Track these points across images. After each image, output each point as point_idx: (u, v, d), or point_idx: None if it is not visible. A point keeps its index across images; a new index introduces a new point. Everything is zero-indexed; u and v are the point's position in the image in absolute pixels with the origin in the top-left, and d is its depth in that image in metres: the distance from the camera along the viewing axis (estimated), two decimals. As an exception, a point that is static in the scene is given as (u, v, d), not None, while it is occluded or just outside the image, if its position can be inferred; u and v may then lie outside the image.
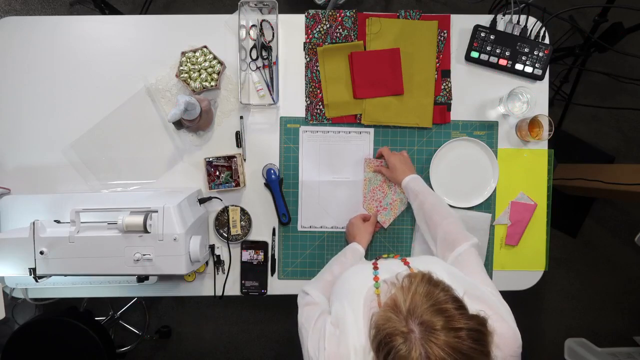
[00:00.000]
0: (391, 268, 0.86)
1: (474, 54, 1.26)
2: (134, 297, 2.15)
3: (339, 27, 1.26)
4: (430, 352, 0.62)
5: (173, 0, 2.21)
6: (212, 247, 1.24)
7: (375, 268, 0.88)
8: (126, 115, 1.27)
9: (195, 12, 2.19)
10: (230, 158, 1.23)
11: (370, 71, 1.25)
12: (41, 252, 1.02)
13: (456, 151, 1.28)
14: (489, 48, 1.26)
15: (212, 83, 1.23)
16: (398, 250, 1.29)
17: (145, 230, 1.00)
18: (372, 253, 1.28)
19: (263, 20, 1.26)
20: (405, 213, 1.29)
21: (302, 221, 1.28)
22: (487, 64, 1.27)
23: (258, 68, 1.27)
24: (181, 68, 1.22)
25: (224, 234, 1.26)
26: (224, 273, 1.27)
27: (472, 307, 0.69)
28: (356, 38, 1.27)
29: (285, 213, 1.26)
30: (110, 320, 2.14)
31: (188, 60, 1.22)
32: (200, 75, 1.22)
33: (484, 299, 0.81)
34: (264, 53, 1.26)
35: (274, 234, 1.28)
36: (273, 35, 1.25)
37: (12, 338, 1.52)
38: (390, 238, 1.29)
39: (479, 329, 0.66)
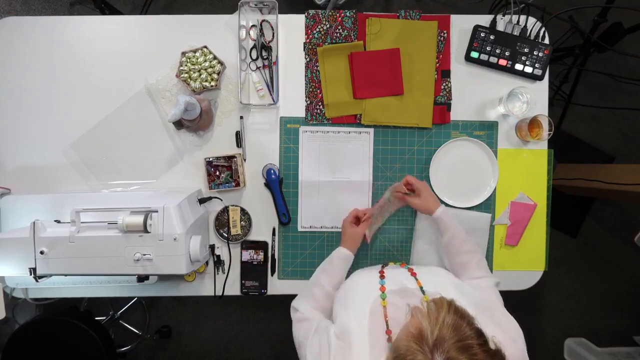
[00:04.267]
0: (398, 279, 0.85)
1: (474, 54, 1.26)
2: (134, 297, 2.15)
3: (339, 27, 1.26)
4: None
5: (173, 0, 2.21)
6: (212, 247, 1.24)
7: (382, 277, 0.87)
8: (126, 115, 1.27)
9: (195, 12, 2.19)
10: (230, 158, 1.23)
11: (370, 71, 1.25)
12: (41, 252, 1.03)
13: (456, 151, 1.28)
14: (488, 48, 1.26)
15: (212, 83, 1.23)
16: (398, 251, 1.29)
17: (146, 230, 1.00)
18: (372, 254, 1.29)
19: (263, 21, 1.26)
20: (405, 214, 1.29)
21: (302, 221, 1.29)
22: (487, 64, 1.27)
23: (258, 68, 1.27)
24: (181, 68, 1.22)
25: (224, 234, 1.26)
26: (224, 273, 1.27)
27: (483, 324, 0.68)
28: (356, 38, 1.27)
29: (285, 213, 1.26)
30: (111, 320, 2.14)
31: (188, 60, 1.22)
32: (200, 75, 1.22)
33: (494, 316, 0.81)
34: (264, 53, 1.26)
35: (274, 234, 1.29)
36: (273, 36, 1.26)
37: (12, 338, 1.52)
38: (391, 238, 1.29)
39: None
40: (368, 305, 0.80)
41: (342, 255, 1.11)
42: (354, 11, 1.27)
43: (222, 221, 1.26)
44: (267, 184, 1.27)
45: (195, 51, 1.23)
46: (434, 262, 1.27)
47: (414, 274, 0.87)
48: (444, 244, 1.11)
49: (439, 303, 0.69)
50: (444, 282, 0.85)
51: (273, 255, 1.28)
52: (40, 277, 1.07)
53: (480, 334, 0.66)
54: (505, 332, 0.79)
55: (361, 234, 1.17)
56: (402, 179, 1.21)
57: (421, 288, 0.83)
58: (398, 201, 1.24)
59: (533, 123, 1.23)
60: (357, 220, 1.20)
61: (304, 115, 1.28)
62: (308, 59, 1.27)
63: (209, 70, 1.23)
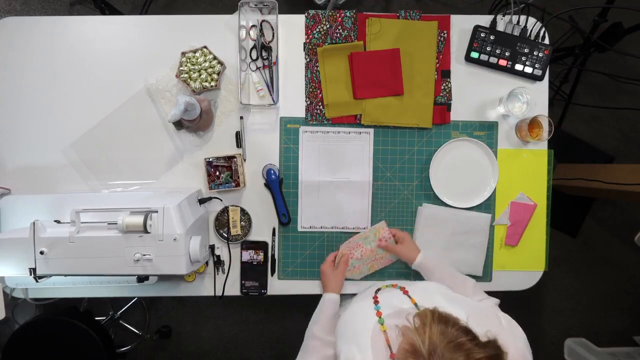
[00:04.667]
0: (392, 301, 0.86)
1: (474, 55, 1.26)
2: (134, 297, 2.15)
3: (339, 28, 1.26)
4: None
5: (173, 0, 2.21)
6: (212, 247, 1.24)
7: (376, 302, 0.88)
8: (126, 115, 1.27)
9: (195, 12, 2.19)
10: (230, 158, 1.23)
11: (370, 71, 1.25)
12: (41, 252, 1.03)
13: (456, 151, 1.28)
14: (488, 48, 1.26)
15: (212, 83, 1.23)
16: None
17: (145, 231, 1.00)
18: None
19: (263, 21, 1.26)
20: (405, 214, 1.29)
21: (302, 221, 1.29)
22: (487, 65, 1.27)
23: (258, 68, 1.27)
24: (181, 68, 1.22)
25: (224, 234, 1.26)
26: (224, 273, 1.27)
27: (479, 330, 0.70)
28: (356, 38, 1.27)
29: (285, 213, 1.26)
30: (110, 320, 2.14)
31: (188, 60, 1.22)
32: (200, 75, 1.22)
33: (488, 318, 0.82)
34: (264, 53, 1.26)
35: (274, 234, 1.29)
36: (273, 36, 1.26)
37: (12, 338, 1.52)
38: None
39: (496, 353, 0.67)
40: (368, 334, 0.80)
41: (330, 302, 1.10)
42: (354, 11, 1.27)
43: (222, 221, 1.26)
44: (267, 184, 1.27)
45: (195, 51, 1.23)
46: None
47: (406, 292, 0.88)
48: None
49: (422, 314, 0.71)
50: (435, 295, 0.87)
51: (273, 256, 1.28)
52: (40, 277, 1.07)
53: (467, 331, 0.68)
54: (502, 328, 0.81)
55: (342, 274, 1.18)
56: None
57: (416, 305, 0.84)
58: (383, 252, 1.24)
59: (533, 123, 1.23)
60: (334, 262, 1.22)
61: (304, 116, 1.28)
62: (308, 59, 1.27)
63: (209, 70, 1.23)
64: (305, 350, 1.02)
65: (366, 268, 1.24)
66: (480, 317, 0.78)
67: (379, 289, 0.96)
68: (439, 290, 0.89)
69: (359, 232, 1.26)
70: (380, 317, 0.82)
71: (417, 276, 1.17)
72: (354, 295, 1.11)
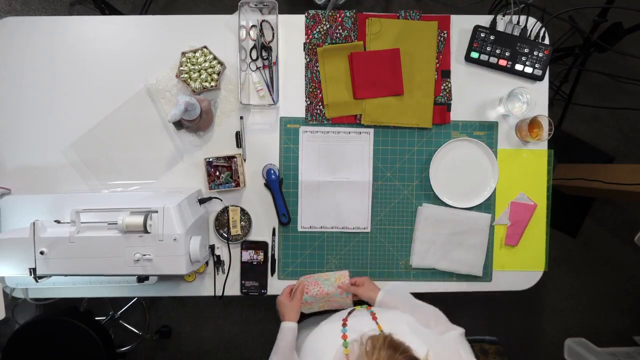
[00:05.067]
0: (360, 326, 0.87)
1: (474, 55, 1.26)
2: (134, 297, 2.15)
3: (339, 28, 1.26)
4: None
5: (173, 1, 2.21)
6: (212, 247, 1.24)
7: (344, 325, 0.89)
8: (126, 115, 1.27)
9: (195, 12, 2.19)
10: (230, 158, 1.23)
11: (370, 71, 1.25)
12: (41, 252, 1.03)
13: (456, 151, 1.28)
14: (488, 48, 1.26)
15: (212, 83, 1.23)
16: (398, 251, 1.29)
17: (145, 231, 1.00)
18: (372, 253, 1.29)
19: (263, 21, 1.26)
20: (405, 214, 1.29)
21: (302, 221, 1.29)
22: (487, 65, 1.27)
23: (258, 68, 1.27)
24: (181, 68, 1.22)
25: (224, 234, 1.26)
26: (224, 273, 1.27)
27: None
28: (356, 38, 1.27)
29: (285, 213, 1.26)
30: (111, 320, 2.14)
31: (188, 60, 1.22)
32: (200, 75, 1.22)
33: (449, 353, 0.84)
34: (264, 53, 1.26)
35: (274, 234, 1.29)
36: (273, 36, 1.26)
37: (12, 338, 1.52)
38: (391, 238, 1.29)
39: None
40: (331, 355, 0.81)
41: (288, 330, 1.11)
42: (354, 11, 1.27)
43: (222, 221, 1.26)
44: (267, 184, 1.27)
45: (195, 51, 1.23)
46: (434, 262, 1.28)
47: (375, 318, 0.89)
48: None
49: (375, 338, 0.73)
50: (402, 325, 0.87)
51: (273, 256, 1.28)
52: (40, 277, 1.07)
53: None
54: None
55: (299, 304, 1.18)
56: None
57: (382, 332, 0.84)
58: (339, 297, 1.23)
59: (533, 123, 1.23)
60: (290, 293, 1.21)
61: (304, 116, 1.28)
62: (308, 59, 1.27)
63: (209, 70, 1.23)
64: None
65: (317, 306, 1.23)
66: (441, 352, 0.80)
67: (352, 310, 0.97)
68: (407, 321, 0.89)
69: (322, 272, 1.26)
70: (345, 340, 0.83)
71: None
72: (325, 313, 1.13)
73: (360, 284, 1.19)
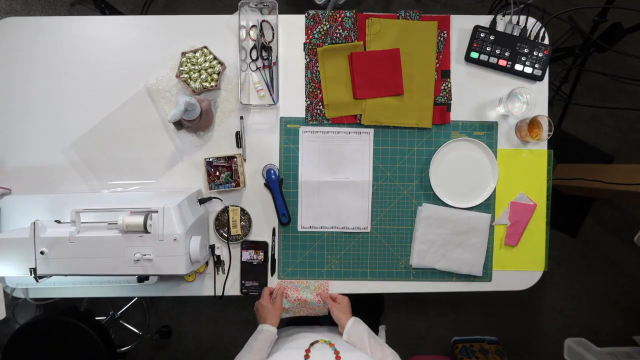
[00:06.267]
0: None
1: (474, 55, 1.26)
2: (134, 297, 2.16)
3: (339, 28, 1.26)
4: None
5: (173, 1, 2.21)
6: (212, 247, 1.24)
7: (306, 357, 0.88)
8: (126, 115, 1.27)
9: (195, 12, 2.20)
10: (230, 158, 1.23)
11: (370, 72, 1.25)
12: (42, 252, 1.03)
13: (456, 151, 1.28)
14: (488, 48, 1.26)
15: (212, 83, 1.23)
16: (398, 251, 1.29)
17: (146, 231, 1.00)
18: (372, 253, 1.29)
19: (263, 21, 1.26)
20: (405, 214, 1.29)
21: (302, 221, 1.29)
22: (486, 65, 1.27)
23: (258, 68, 1.27)
24: (181, 68, 1.22)
25: (224, 234, 1.26)
26: (224, 273, 1.27)
27: None
28: (356, 38, 1.27)
29: (285, 213, 1.27)
30: (111, 320, 2.14)
31: (188, 60, 1.22)
32: (200, 75, 1.22)
33: None
34: (264, 53, 1.26)
35: (274, 234, 1.29)
36: (273, 36, 1.26)
37: (12, 338, 1.52)
38: (391, 238, 1.29)
39: None
40: None
41: (268, 334, 1.11)
42: (354, 11, 1.27)
43: (222, 221, 1.26)
44: (267, 184, 1.27)
45: (195, 51, 1.23)
46: (434, 262, 1.28)
47: (339, 358, 0.89)
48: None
49: None
50: None
51: (273, 256, 1.28)
52: (41, 277, 1.07)
53: None
54: None
55: (280, 309, 1.20)
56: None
57: None
58: (315, 305, 1.25)
59: (533, 123, 1.23)
60: (270, 296, 1.23)
61: (304, 116, 1.28)
62: (308, 59, 1.27)
63: (209, 70, 1.23)
64: None
65: (293, 312, 1.26)
66: None
67: (315, 342, 0.97)
68: None
69: (302, 280, 1.28)
70: None
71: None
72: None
73: (339, 301, 1.21)
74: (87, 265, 1.04)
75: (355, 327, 1.13)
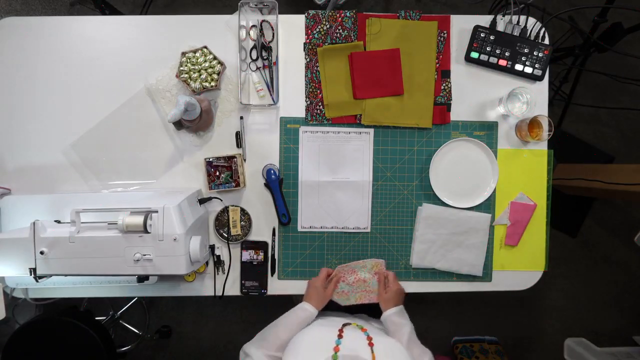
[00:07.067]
0: (354, 344, 0.84)
1: (474, 55, 1.26)
2: (134, 297, 2.16)
3: (339, 28, 1.26)
4: None
5: (173, 1, 2.21)
6: (212, 247, 1.24)
7: (340, 337, 0.87)
8: (126, 115, 1.27)
9: (195, 12, 2.20)
10: (230, 158, 1.23)
11: (370, 72, 1.25)
12: (41, 252, 1.03)
13: (456, 151, 1.28)
14: (488, 48, 1.26)
15: (212, 83, 1.23)
16: (398, 251, 1.29)
17: (146, 231, 1.00)
18: (371, 254, 1.29)
19: (263, 21, 1.26)
20: (406, 215, 1.29)
21: (302, 221, 1.29)
22: (486, 65, 1.27)
23: (258, 68, 1.27)
24: (181, 68, 1.22)
25: (224, 234, 1.26)
26: (224, 273, 1.27)
27: None
28: (356, 38, 1.27)
29: (285, 213, 1.26)
30: (111, 320, 2.14)
31: (188, 60, 1.22)
32: (200, 75, 1.22)
33: None
34: (264, 53, 1.26)
35: (274, 234, 1.29)
36: (273, 36, 1.26)
37: (12, 338, 1.52)
38: (391, 238, 1.29)
39: None
40: None
41: (306, 312, 1.09)
42: (354, 11, 1.27)
43: (222, 221, 1.26)
44: (267, 184, 1.27)
45: (195, 51, 1.23)
46: (434, 262, 1.28)
47: (371, 344, 0.86)
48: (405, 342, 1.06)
49: None
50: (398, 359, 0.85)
51: (273, 256, 1.28)
52: (40, 277, 1.07)
53: None
54: None
55: (330, 295, 1.18)
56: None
57: None
58: (375, 287, 1.23)
59: (533, 123, 1.23)
60: (327, 279, 1.21)
61: (304, 116, 1.28)
62: (308, 59, 1.27)
63: (209, 70, 1.23)
64: (260, 342, 1.01)
65: (353, 297, 1.23)
66: None
67: (348, 324, 0.95)
68: (404, 356, 0.87)
69: (359, 260, 1.26)
70: (335, 353, 0.81)
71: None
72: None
73: (392, 284, 1.18)
74: (87, 265, 1.04)
75: (400, 314, 1.10)
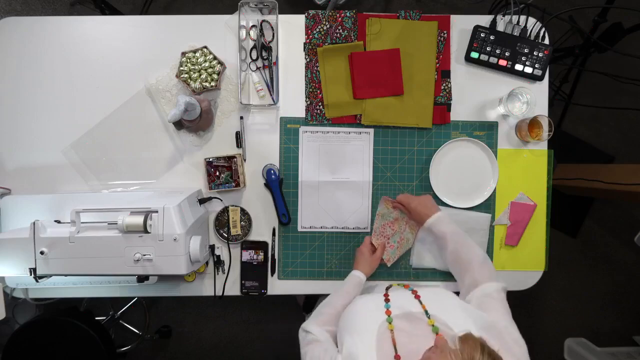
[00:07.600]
0: (402, 302, 0.86)
1: (474, 55, 1.26)
2: (134, 297, 2.15)
3: (339, 28, 1.26)
4: None
5: (173, 1, 2.21)
6: (212, 247, 1.24)
7: (387, 300, 0.88)
8: (126, 115, 1.27)
9: (195, 12, 2.19)
10: (230, 158, 1.23)
11: (370, 71, 1.25)
12: (41, 252, 1.03)
13: (456, 151, 1.28)
14: (488, 48, 1.26)
15: (212, 83, 1.23)
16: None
17: (146, 231, 1.00)
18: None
19: (263, 21, 1.26)
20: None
21: (302, 221, 1.29)
22: (487, 65, 1.27)
23: (258, 68, 1.27)
24: (181, 68, 1.22)
25: (224, 234, 1.26)
26: (224, 273, 1.27)
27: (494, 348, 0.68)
28: (356, 38, 1.27)
29: (285, 213, 1.26)
30: (111, 320, 2.14)
31: (188, 60, 1.22)
32: (200, 75, 1.22)
33: (503, 339, 0.80)
34: (264, 53, 1.26)
35: (274, 234, 1.29)
36: (273, 36, 1.26)
37: (12, 338, 1.52)
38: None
39: None
40: (375, 330, 0.80)
41: (357, 278, 1.12)
42: (354, 11, 1.27)
43: (222, 221, 1.26)
44: (267, 184, 1.27)
45: (195, 51, 1.23)
46: (434, 262, 1.28)
47: (417, 297, 0.88)
48: (442, 253, 1.07)
49: (471, 344, 0.67)
50: (448, 305, 0.86)
51: (273, 256, 1.28)
52: (40, 277, 1.07)
53: None
54: (507, 348, 0.79)
55: (378, 261, 1.20)
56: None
57: (426, 312, 0.84)
58: (392, 211, 1.24)
59: (533, 123, 1.23)
60: (373, 246, 1.22)
61: (304, 116, 1.28)
62: (308, 59, 1.27)
63: (209, 70, 1.23)
64: (317, 316, 1.02)
65: (403, 246, 1.24)
66: (489, 335, 0.78)
67: (389, 286, 0.96)
68: (451, 300, 0.88)
69: (390, 231, 1.26)
70: (389, 316, 0.82)
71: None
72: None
73: (411, 199, 1.17)
74: (87, 265, 1.04)
75: (438, 223, 1.11)
